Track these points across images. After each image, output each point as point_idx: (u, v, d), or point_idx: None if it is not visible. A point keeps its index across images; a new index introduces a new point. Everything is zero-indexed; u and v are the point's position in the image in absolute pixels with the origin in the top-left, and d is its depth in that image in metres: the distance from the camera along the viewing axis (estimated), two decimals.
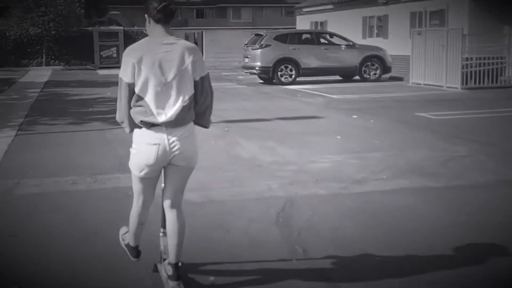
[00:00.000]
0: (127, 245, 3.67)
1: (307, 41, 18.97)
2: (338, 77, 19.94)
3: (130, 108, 3.23)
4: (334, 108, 12.73)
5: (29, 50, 31.79)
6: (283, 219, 4.91)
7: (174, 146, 3.20)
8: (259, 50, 17.77)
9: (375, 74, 19.10)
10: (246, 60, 18.58)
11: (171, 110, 3.17)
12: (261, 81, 19.21)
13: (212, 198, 5.61)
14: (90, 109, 12.92)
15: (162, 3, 3.17)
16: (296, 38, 18.85)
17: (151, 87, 3.16)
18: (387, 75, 19.86)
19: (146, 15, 3.25)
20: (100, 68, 30.45)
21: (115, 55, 31.16)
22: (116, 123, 3.59)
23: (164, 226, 3.50)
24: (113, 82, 20.32)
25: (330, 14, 25.89)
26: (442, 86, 16.57)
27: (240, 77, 22.37)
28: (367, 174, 6.44)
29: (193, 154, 3.32)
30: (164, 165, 3.30)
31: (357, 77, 19.46)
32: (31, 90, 18.13)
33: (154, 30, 3.26)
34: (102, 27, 32.99)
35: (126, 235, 3.70)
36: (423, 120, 10.75)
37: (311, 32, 20.49)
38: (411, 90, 16.59)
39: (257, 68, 17.76)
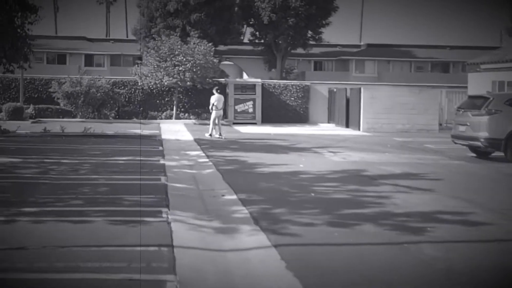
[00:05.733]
0: None
1: None
2: None
3: None
4: None
5: (157, 101, 30.32)
6: None
7: None
8: (486, 117, 14.29)
9: None
10: (462, 128, 15.10)
11: None
12: (473, 155, 15.67)
13: None
14: (312, 194, 9.90)
15: None
16: None
17: None
18: None
19: None
20: (234, 124, 28.22)
21: (251, 110, 28.84)
22: None
23: None
24: (277, 146, 17.70)
25: None
26: None
27: (429, 146, 18.95)
28: None
29: None
30: None
31: None
32: (192, 154, 15.65)
33: None
34: (238, 79, 30.99)
35: None
36: None
37: None
38: None
39: (482, 139, 14.24)
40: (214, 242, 6.86)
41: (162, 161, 13.83)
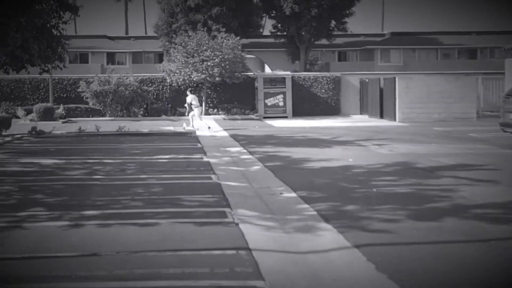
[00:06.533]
0: None
1: None
2: None
3: None
4: None
5: (186, 97, 30.07)
6: None
7: None
8: None
9: None
10: None
11: None
12: None
13: None
14: (374, 189, 9.57)
15: None
16: None
17: None
18: None
19: None
20: (265, 118, 27.93)
21: (281, 103, 28.51)
22: None
23: None
24: (317, 140, 17.36)
25: None
26: None
27: (473, 135, 18.46)
28: None
29: None
30: None
31: None
32: (233, 150, 15.39)
33: None
34: (267, 72, 30.67)
35: None
36: None
37: None
38: None
39: None
40: (290, 243, 6.58)
41: (205, 159, 13.60)
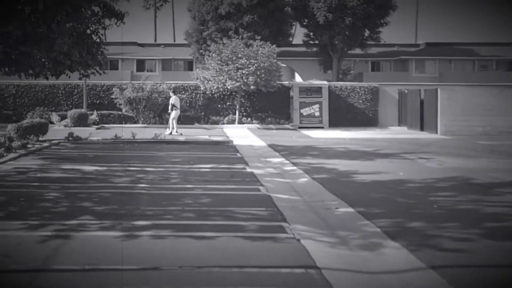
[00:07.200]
0: None
1: None
2: None
3: None
4: None
5: (219, 106, 30.06)
6: None
7: None
8: None
9: None
10: None
11: None
12: None
13: None
14: (435, 206, 9.19)
15: None
16: None
17: None
18: None
19: None
20: (300, 128, 27.64)
21: (317, 113, 28.20)
22: None
23: None
24: (360, 152, 16.98)
25: None
26: None
27: None
28: None
29: None
30: None
31: None
32: (275, 161, 15.12)
33: None
34: (303, 81, 30.42)
35: None
36: None
37: None
38: None
39: None
40: (358, 262, 6.28)
41: (248, 169, 13.37)
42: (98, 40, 17.67)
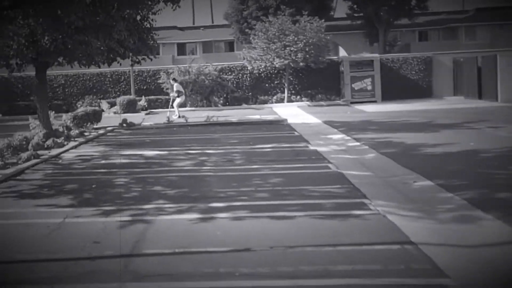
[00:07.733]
0: None
1: None
2: None
3: None
4: None
5: (266, 85, 29.84)
6: None
7: None
8: None
9: None
10: None
11: None
12: None
13: None
14: None
15: None
16: None
17: None
18: None
19: None
20: (352, 103, 27.19)
21: (369, 87, 27.65)
22: None
23: None
24: (421, 124, 16.53)
25: None
26: None
27: None
28: None
29: None
30: None
31: None
32: (335, 137, 14.87)
33: None
34: (353, 55, 29.85)
35: None
36: None
37: None
38: None
39: None
40: (453, 235, 6.06)
41: (311, 147, 13.19)
42: (148, 25, 17.76)
